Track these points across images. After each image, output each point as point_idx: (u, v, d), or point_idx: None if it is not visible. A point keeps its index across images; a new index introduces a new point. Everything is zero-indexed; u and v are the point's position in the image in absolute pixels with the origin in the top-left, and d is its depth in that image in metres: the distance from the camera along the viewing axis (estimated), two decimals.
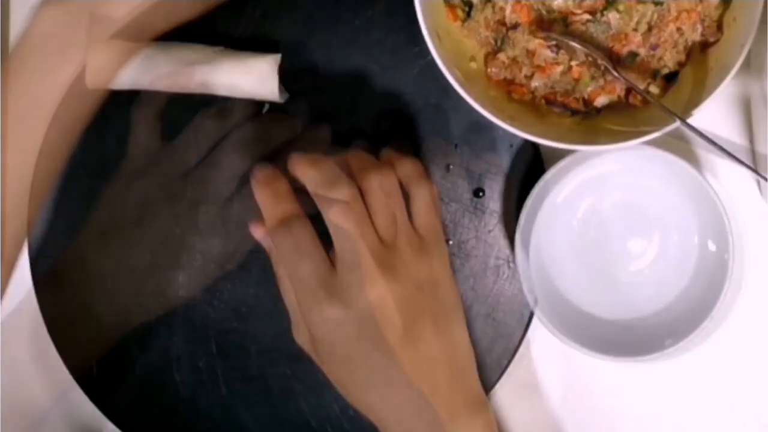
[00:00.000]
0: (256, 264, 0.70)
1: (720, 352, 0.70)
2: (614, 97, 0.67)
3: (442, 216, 0.68)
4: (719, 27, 0.65)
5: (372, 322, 0.62)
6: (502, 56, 0.67)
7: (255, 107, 0.70)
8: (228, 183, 0.68)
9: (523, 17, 0.66)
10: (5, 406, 0.71)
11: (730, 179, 0.70)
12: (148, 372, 0.71)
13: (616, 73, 0.64)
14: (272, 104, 0.71)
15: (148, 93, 0.70)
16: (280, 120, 0.70)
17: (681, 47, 0.66)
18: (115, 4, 0.68)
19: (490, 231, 0.70)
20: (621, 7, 0.65)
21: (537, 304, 0.68)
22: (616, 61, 0.66)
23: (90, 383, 0.71)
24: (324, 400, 0.70)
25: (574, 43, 0.65)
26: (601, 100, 0.67)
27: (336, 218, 0.62)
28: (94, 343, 0.70)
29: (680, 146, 0.69)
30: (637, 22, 0.65)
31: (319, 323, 0.62)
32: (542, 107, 0.68)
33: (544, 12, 0.66)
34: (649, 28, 0.66)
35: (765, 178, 0.64)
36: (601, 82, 0.67)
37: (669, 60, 0.66)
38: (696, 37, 0.66)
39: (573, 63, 0.67)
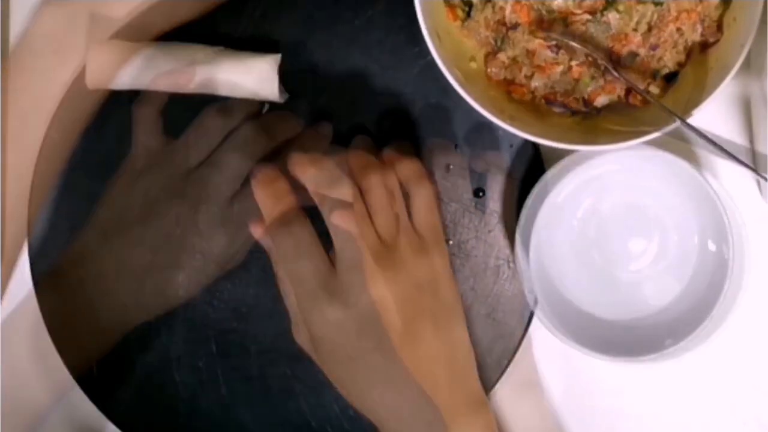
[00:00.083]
0: (256, 264, 0.70)
1: (720, 352, 0.70)
2: (614, 97, 0.67)
3: (442, 216, 0.68)
4: (719, 27, 0.65)
5: (372, 322, 0.62)
6: (502, 56, 0.67)
7: (255, 107, 0.70)
8: (228, 183, 0.68)
9: (523, 17, 0.66)
10: (5, 406, 0.71)
11: (730, 179, 0.70)
12: (148, 372, 0.71)
13: (616, 73, 0.64)
14: (272, 104, 0.70)
15: (149, 93, 0.70)
16: (281, 120, 0.70)
17: (681, 47, 0.66)
18: (115, 4, 0.68)
19: (490, 231, 0.70)
20: (621, 7, 0.65)
21: (537, 304, 0.68)
22: (616, 61, 0.66)
23: (90, 383, 0.71)
24: (324, 400, 0.70)
25: (574, 43, 0.65)
26: (601, 100, 0.67)
27: (336, 218, 0.62)
28: (94, 343, 0.70)
29: (680, 146, 0.69)
30: (637, 23, 0.65)
31: (319, 323, 0.62)
32: (542, 107, 0.68)
33: (544, 12, 0.66)
34: (649, 29, 0.66)
35: (765, 178, 0.64)
36: (601, 82, 0.67)
37: (669, 60, 0.66)
38: (696, 37, 0.66)
39: (573, 63, 0.67)
